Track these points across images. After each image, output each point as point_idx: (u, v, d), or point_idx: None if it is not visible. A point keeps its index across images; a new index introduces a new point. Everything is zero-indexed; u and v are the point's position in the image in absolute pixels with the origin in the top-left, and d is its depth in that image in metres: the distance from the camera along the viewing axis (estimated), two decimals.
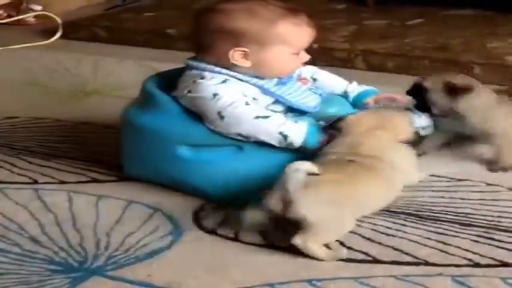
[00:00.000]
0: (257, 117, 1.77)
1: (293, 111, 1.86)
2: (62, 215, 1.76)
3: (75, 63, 2.89)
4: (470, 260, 1.58)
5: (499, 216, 1.74)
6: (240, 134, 1.78)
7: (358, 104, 1.97)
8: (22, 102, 2.48)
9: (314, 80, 2.00)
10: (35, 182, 1.93)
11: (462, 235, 1.66)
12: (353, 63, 2.78)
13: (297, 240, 1.57)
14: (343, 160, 1.67)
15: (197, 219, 1.75)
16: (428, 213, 1.76)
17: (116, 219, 1.74)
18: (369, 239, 1.65)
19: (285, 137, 1.76)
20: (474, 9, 3.23)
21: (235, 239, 1.67)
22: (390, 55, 2.76)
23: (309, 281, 1.51)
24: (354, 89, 2.00)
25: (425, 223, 1.72)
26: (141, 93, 1.93)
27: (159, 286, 1.50)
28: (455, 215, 1.75)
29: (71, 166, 2.00)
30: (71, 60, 2.92)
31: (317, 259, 1.57)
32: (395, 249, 1.61)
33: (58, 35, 3.20)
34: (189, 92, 1.81)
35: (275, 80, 1.86)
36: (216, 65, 1.82)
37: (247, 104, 1.78)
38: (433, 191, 1.85)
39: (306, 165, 1.58)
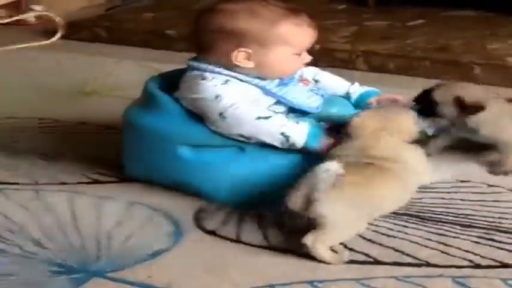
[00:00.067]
0: (258, 118, 1.77)
1: (295, 112, 1.86)
2: (62, 216, 1.76)
3: (76, 63, 2.89)
4: (471, 261, 1.58)
5: (500, 218, 1.74)
6: (241, 135, 1.78)
7: (360, 105, 1.97)
8: (22, 103, 2.47)
9: (316, 81, 2.00)
10: (36, 183, 1.93)
11: (463, 236, 1.67)
12: (354, 64, 2.78)
13: (308, 240, 1.57)
14: (361, 162, 1.67)
15: (198, 220, 1.75)
16: (429, 215, 1.76)
17: (117, 220, 1.74)
18: (370, 240, 1.65)
19: (287, 137, 1.76)
20: (475, 11, 3.23)
21: (236, 240, 1.67)
22: (391, 56, 2.76)
23: (310, 282, 1.51)
24: (356, 90, 2.00)
25: (426, 224, 1.72)
26: (142, 93, 1.93)
27: (159, 287, 1.50)
28: (456, 216, 1.75)
29: (72, 167, 2.00)
30: (71, 61, 2.92)
31: (321, 261, 1.57)
32: (396, 250, 1.61)
33: (58, 35, 3.20)
34: (191, 92, 1.81)
35: (277, 81, 1.87)
36: (218, 65, 1.82)
37: (249, 104, 1.78)
38: (434, 192, 1.85)
39: (335, 166, 1.59)
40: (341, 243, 1.62)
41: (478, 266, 1.56)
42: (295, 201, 1.59)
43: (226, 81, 1.80)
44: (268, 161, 1.79)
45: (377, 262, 1.58)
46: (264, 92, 1.84)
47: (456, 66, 2.66)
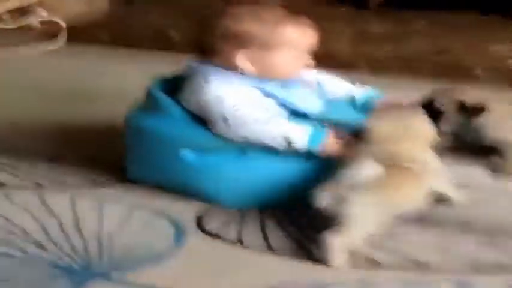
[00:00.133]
0: (260, 120, 1.77)
1: (297, 114, 1.87)
2: (65, 219, 1.76)
3: (79, 67, 2.89)
4: (472, 264, 1.58)
5: (502, 221, 1.74)
6: (243, 137, 1.78)
7: (365, 108, 1.97)
8: (26, 106, 2.48)
9: (318, 83, 2.00)
10: (39, 185, 1.94)
11: (465, 239, 1.66)
12: (355, 67, 2.78)
13: (327, 237, 1.57)
14: (385, 165, 1.67)
15: (200, 222, 1.75)
16: (431, 218, 1.75)
17: (119, 223, 1.75)
18: (372, 243, 1.65)
19: (288, 140, 1.76)
20: (477, 13, 3.23)
21: (238, 242, 1.67)
22: (392, 59, 2.77)
23: (313, 285, 1.51)
24: (360, 92, 2.00)
25: (428, 227, 1.72)
26: (145, 96, 1.93)
27: None
28: (458, 220, 1.75)
29: (75, 170, 2.01)
30: (75, 64, 2.92)
31: (322, 263, 1.57)
32: (399, 253, 1.61)
33: (62, 39, 3.21)
34: (194, 95, 1.82)
35: (279, 84, 1.87)
36: (220, 68, 1.82)
37: (251, 107, 1.79)
38: (435, 195, 1.85)
39: (370, 165, 1.59)
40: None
41: (480, 270, 1.56)
42: (323, 197, 1.59)
43: (229, 84, 1.81)
44: (270, 163, 1.79)
45: (379, 265, 1.58)
46: (267, 95, 1.84)
47: (458, 69, 2.66)
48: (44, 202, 1.85)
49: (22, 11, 3.46)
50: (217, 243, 1.67)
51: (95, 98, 2.54)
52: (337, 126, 1.84)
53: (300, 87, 1.93)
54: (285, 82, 1.88)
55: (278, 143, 1.77)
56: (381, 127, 1.74)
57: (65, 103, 2.51)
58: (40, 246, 1.66)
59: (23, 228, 1.73)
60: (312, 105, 1.90)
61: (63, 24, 3.29)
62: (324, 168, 1.78)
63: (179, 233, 1.71)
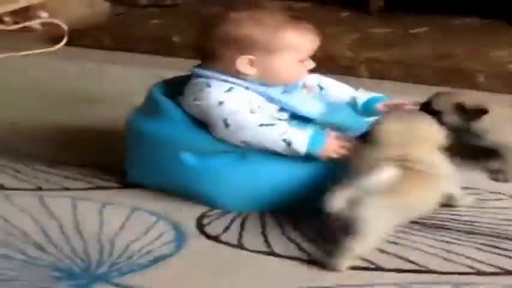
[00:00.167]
0: (261, 125, 1.77)
1: (298, 118, 1.87)
2: (65, 222, 1.76)
3: (80, 69, 2.90)
4: (474, 268, 1.58)
5: (503, 224, 1.74)
6: (244, 141, 1.78)
7: (367, 110, 1.97)
8: (26, 108, 2.48)
9: (320, 87, 2.00)
10: (39, 188, 1.93)
11: (466, 243, 1.66)
12: (357, 71, 2.78)
13: (348, 243, 1.57)
14: (398, 167, 1.66)
15: (200, 225, 1.75)
16: (432, 221, 1.75)
17: (120, 226, 1.74)
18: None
19: (289, 144, 1.76)
20: (478, 18, 3.23)
21: (238, 245, 1.67)
22: (394, 63, 2.77)
23: None
24: (362, 95, 2.00)
25: (429, 231, 1.72)
26: (146, 99, 1.93)
27: None
28: (459, 223, 1.75)
29: (75, 172, 2.01)
30: (76, 67, 2.92)
31: (323, 267, 1.57)
32: (399, 257, 1.61)
33: (64, 41, 3.21)
34: (195, 99, 1.82)
35: (280, 88, 1.87)
36: (222, 73, 1.82)
37: (252, 111, 1.78)
38: None
39: (386, 170, 1.59)
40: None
41: (481, 273, 1.56)
42: (337, 202, 1.58)
43: (230, 89, 1.81)
44: (270, 167, 1.79)
45: (380, 269, 1.58)
46: (268, 99, 1.84)
47: (459, 73, 2.66)
48: (44, 204, 1.84)
49: (24, 13, 3.46)
50: (217, 246, 1.67)
51: (96, 100, 2.54)
52: (338, 129, 1.84)
53: (301, 91, 1.93)
54: (287, 86, 1.88)
55: (279, 146, 1.77)
56: (390, 128, 1.74)
57: (66, 105, 2.51)
58: (40, 248, 1.65)
59: (23, 230, 1.72)
60: (313, 109, 1.90)
61: (65, 27, 3.29)
62: (326, 171, 1.78)
63: (179, 236, 1.70)
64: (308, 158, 1.77)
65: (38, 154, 2.13)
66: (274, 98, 1.85)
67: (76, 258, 1.62)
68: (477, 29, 3.15)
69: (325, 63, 2.63)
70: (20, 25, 3.44)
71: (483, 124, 1.90)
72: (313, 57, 1.88)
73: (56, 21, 3.38)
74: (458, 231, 1.71)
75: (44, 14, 3.48)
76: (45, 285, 1.53)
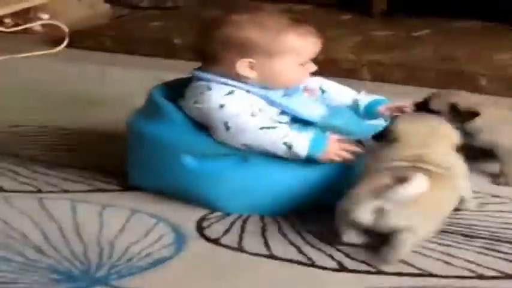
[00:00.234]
0: (262, 128, 1.77)
1: (299, 122, 1.86)
2: (65, 224, 1.76)
3: (81, 72, 2.90)
4: (474, 271, 1.57)
5: (503, 228, 1.74)
6: (245, 145, 1.78)
7: (369, 113, 1.97)
8: (27, 111, 2.48)
9: (322, 90, 2.00)
10: (39, 190, 1.93)
11: (466, 247, 1.66)
12: (359, 74, 2.78)
13: (388, 254, 1.57)
14: (414, 169, 1.65)
15: (200, 228, 1.74)
16: None
17: (120, 229, 1.74)
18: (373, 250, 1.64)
19: (290, 147, 1.76)
20: (480, 21, 3.23)
21: (238, 248, 1.67)
22: (396, 66, 2.76)
23: None
24: (364, 98, 1.99)
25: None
26: (146, 102, 1.93)
27: None
28: (460, 227, 1.75)
29: (75, 175, 2.00)
30: (77, 69, 2.92)
31: (324, 269, 1.56)
32: (399, 260, 1.61)
33: (65, 43, 3.21)
34: (196, 102, 1.82)
35: (281, 91, 1.86)
36: (222, 75, 1.82)
37: (253, 115, 1.78)
38: None
39: (424, 180, 1.57)
40: (343, 253, 1.62)
41: (481, 277, 1.56)
42: (364, 215, 1.57)
43: (231, 92, 1.80)
44: (271, 170, 1.79)
45: (380, 272, 1.57)
46: (269, 103, 1.84)
47: (461, 76, 2.65)
48: (43, 206, 1.84)
49: (24, 15, 3.46)
50: (217, 249, 1.67)
51: (97, 102, 2.54)
52: (340, 132, 1.84)
53: (302, 94, 1.92)
54: (288, 89, 1.87)
55: (279, 149, 1.77)
56: (409, 128, 1.73)
57: (67, 107, 2.51)
58: (39, 250, 1.65)
59: (23, 232, 1.72)
60: (314, 112, 1.89)
61: (66, 29, 3.29)
62: (327, 174, 1.78)
63: (179, 239, 1.70)
64: (309, 161, 1.77)
65: (38, 156, 2.13)
66: (275, 101, 1.84)
67: (75, 260, 1.61)
68: (479, 32, 3.15)
69: (327, 66, 2.63)
70: (21, 27, 3.44)
71: (475, 125, 1.90)
72: (315, 60, 1.87)
73: (56, 23, 3.38)
74: (459, 234, 1.71)
75: (44, 16, 3.48)
76: (44, 287, 1.53)
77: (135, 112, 1.95)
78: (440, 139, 1.74)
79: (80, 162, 2.08)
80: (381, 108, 1.96)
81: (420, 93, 2.02)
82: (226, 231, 1.73)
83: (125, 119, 1.95)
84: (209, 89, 1.81)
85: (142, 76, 2.74)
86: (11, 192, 1.92)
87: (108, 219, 1.79)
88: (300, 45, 1.83)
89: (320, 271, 1.57)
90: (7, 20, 3.46)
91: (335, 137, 1.80)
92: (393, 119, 1.89)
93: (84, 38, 3.24)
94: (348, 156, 1.77)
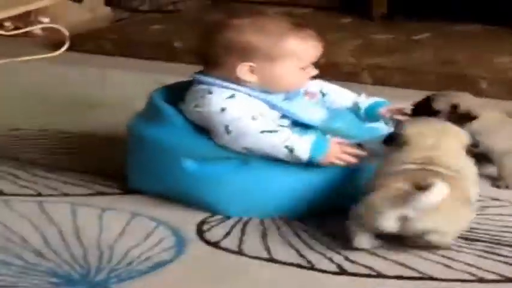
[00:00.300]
0: (263, 131, 1.77)
1: (300, 125, 1.86)
2: (65, 228, 1.76)
3: (82, 75, 2.90)
4: (474, 275, 1.57)
5: (503, 231, 1.74)
6: (246, 148, 1.78)
7: (370, 115, 1.96)
8: (27, 114, 2.48)
9: (323, 94, 2.00)
10: (39, 194, 1.93)
11: (466, 250, 1.66)
12: (359, 78, 2.78)
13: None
14: (425, 172, 1.65)
15: (200, 231, 1.74)
16: None
17: (120, 232, 1.74)
18: (373, 253, 1.64)
19: (291, 150, 1.76)
20: (481, 25, 3.23)
21: (239, 252, 1.66)
22: (396, 69, 2.76)
23: None
24: (364, 101, 1.99)
25: None
26: (147, 105, 1.93)
27: None
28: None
29: (75, 178, 2.00)
30: (77, 73, 2.92)
31: (324, 273, 1.56)
32: (400, 263, 1.60)
33: (65, 47, 3.21)
34: (197, 106, 1.82)
35: (282, 95, 1.86)
36: (223, 79, 1.82)
37: (254, 118, 1.78)
38: None
39: (444, 187, 1.58)
40: (342, 255, 1.62)
41: (481, 280, 1.55)
42: (388, 222, 1.57)
43: (233, 96, 1.80)
44: (272, 174, 1.79)
45: (381, 276, 1.57)
46: (270, 106, 1.84)
47: (462, 80, 2.65)
48: (43, 210, 1.84)
49: (25, 18, 3.46)
50: (217, 252, 1.67)
51: (97, 106, 2.54)
52: (341, 135, 1.84)
53: (303, 98, 1.92)
54: (289, 93, 1.87)
55: (281, 153, 1.77)
56: (420, 131, 1.73)
57: (67, 111, 2.51)
58: (39, 254, 1.65)
59: (22, 236, 1.72)
60: (315, 115, 1.89)
61: (66, 32, 3.29)
62: (328, 177, 1.77)
63: (179, 242, 1.70)
64: (310, 164, 1.77)
65: (38, 160, 2.13)
66: (275, 105, 1.84)
67: (75, 264, 1.61)
68: (480, 35, 3.15)
69: (328, 69, 2.63)
70: (21, 30, 3.44)
71: (472, 128, 1.90)
72: (316, 64, 1.87)
73: (57, 26, 3.38)
74: (459, 237, 1.70)
75: (45, 19, 3.48)
76: None
77: (136, 115, 1.95)
78: (450, 140, 1.74)
79: (80, 165, 2.08)
80: (382, 110, 1.96)
81: (420, 97, 2.01)
82: (227, 234, 1.73)
83: (125, 123, 1.96)
84: (210, 92, 1.81)
85: (143, 79, 2.74)
86: (11, 196, 1.92)
87: (108, 222, 1.78)
88: (301, 49, 1.83)
89: (320, 274, 1.57)
90: (7, 24, 3.45)
91: (336, 140, 1.80)
92: (394, 121, 1.89)
93: (84, 42, 3.24)
94: (350, 159, 1.77)
